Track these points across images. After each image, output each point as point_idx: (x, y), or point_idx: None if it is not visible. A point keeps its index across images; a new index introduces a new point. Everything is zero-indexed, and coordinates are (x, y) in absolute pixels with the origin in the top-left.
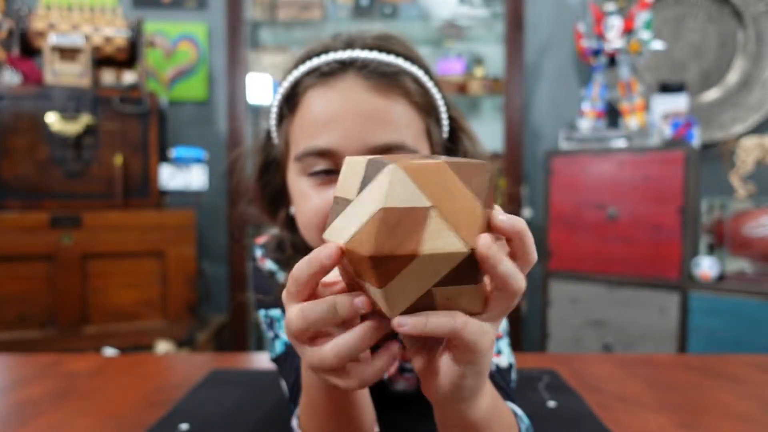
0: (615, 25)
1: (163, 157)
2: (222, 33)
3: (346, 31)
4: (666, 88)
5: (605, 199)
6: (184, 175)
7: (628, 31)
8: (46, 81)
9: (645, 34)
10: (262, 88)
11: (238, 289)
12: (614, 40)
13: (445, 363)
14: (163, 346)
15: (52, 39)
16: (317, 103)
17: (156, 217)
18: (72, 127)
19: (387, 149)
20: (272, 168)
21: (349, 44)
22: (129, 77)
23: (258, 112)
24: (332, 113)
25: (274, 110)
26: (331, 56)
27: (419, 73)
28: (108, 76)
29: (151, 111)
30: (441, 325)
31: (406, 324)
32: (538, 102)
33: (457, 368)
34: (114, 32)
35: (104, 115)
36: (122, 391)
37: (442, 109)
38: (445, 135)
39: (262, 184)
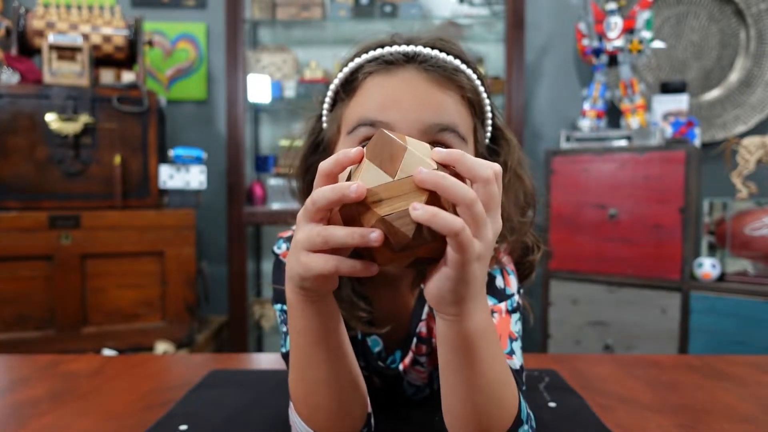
0: (616, 24)
1: (163, 157)
2: (221, 32)
3: (402, 32)
4: (667, 88)
5: (606, 199)
6: (183, 175)
7: (629, 31)
8: (44, 80)
9: (646, 34)
10: (261, 88)
11: (237, 289)
12: (615, 39)
13: (438, 268)
14: (162, 347)
15: (51, 38)
16: (378, 86)
17: (155, 217)
18: (71, 127)
19: (442, 129)
20: (319, 150)
21: (409, 42)
22: (128, 77)
23: (258, 111)
24: (392, 96)
25: (330, 95)
26: (395, 48)
27: (473, 76)
28: (107, 76)
29: (150, 110)
30: (448, 220)
31: (419, 208)
32: (539, 102)
33: (445, 271)
34: (113, 31)
35: (103, 114)
36: (121, 392)
37: (489, 114)
38: (487, 141)
39: (305, 167)
